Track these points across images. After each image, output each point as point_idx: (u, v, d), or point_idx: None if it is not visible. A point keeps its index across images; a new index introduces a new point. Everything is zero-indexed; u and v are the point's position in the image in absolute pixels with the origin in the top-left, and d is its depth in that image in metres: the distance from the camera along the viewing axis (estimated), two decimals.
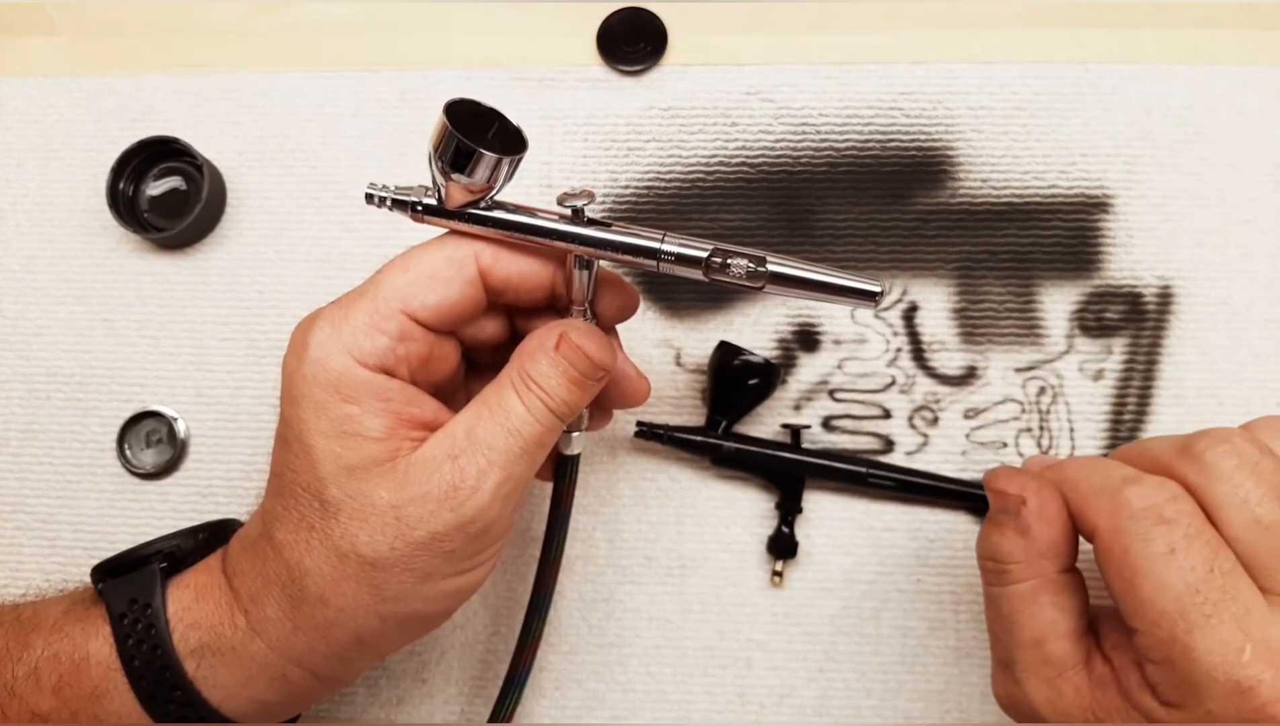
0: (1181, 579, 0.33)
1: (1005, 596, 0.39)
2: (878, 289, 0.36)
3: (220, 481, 0.52)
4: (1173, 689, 0.33)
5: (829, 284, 0.36)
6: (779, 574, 0.49)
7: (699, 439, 0.49)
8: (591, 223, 0.37)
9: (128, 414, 0.52)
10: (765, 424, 0.51)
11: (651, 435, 0.50)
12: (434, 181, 0.37)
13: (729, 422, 0.50)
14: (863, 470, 0.49)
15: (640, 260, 0.37)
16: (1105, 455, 0.39)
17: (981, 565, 0.40)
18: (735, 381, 0.49)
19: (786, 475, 0.50)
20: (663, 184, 0.53)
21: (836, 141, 0.53)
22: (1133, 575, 0.34)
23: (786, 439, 0.51)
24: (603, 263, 0.39)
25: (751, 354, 0.49)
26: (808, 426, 0.51)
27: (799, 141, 0.53)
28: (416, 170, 0.53)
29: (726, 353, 0.49)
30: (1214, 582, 0.32)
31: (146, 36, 0.56)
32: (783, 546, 0.49)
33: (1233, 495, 0.34)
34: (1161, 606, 0.33)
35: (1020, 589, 0.38)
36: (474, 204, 0.38)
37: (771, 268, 0.36)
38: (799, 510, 0.49)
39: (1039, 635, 0.37)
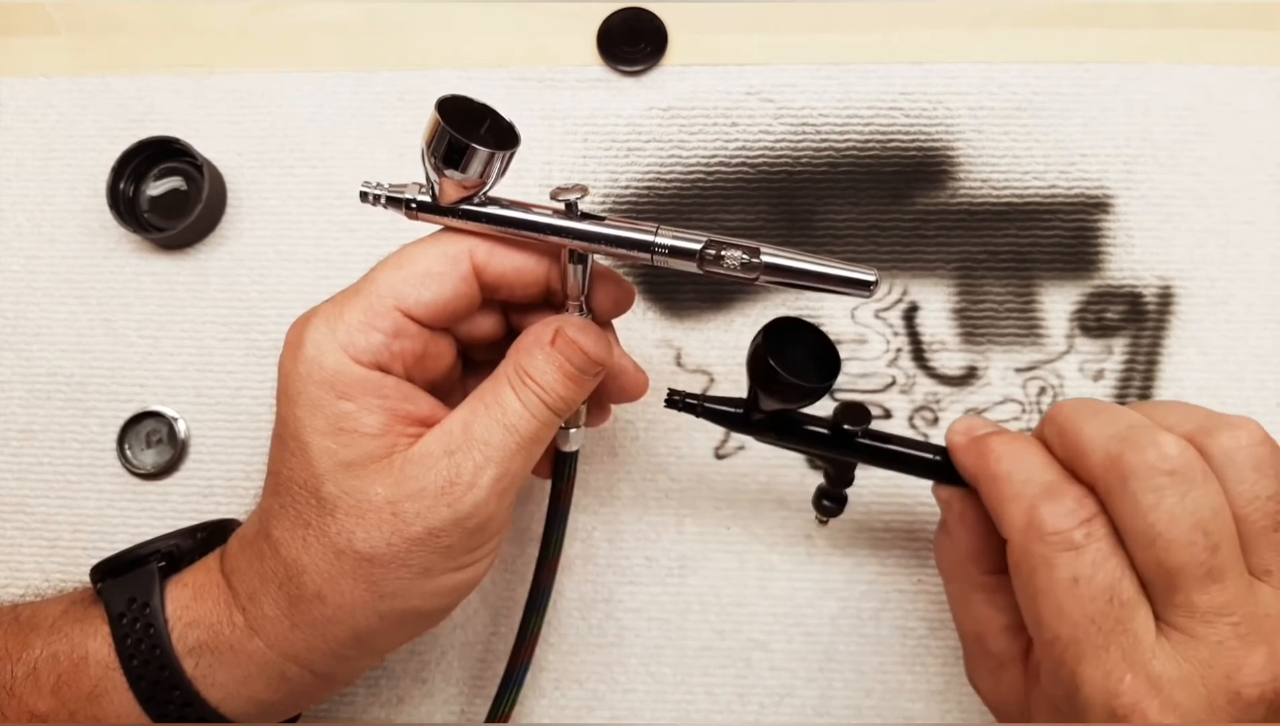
0: (1081, 609, 0.33)
1: (950, 591, 0.41)
2: (871, 278, 0.36)
3: (220, 481, 0.52)
4: (1058, 697, 0.35)
5: (823, 273, 0.36)
6: (824, 520, 0.46)
7: (733, 411, 0.42)
8: (585, 217, 0.38)
9: (128, 414, 0.52)
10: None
11: (684, 406, 0.43)
12: (428, 178, 0.37)
13: (764, 418, 0.42)
14: (928, 457, 0.42)
15: (634, 253, 0.37)
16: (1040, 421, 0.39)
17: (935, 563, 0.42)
18: (770, 392, 0.39)
19: (836, 459, 0.43)
20: (663, 184, 0.53)
21: (836, 141, 0.53)
22: (1035, 594, 0.34)
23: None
24: (598, 258, 0.39)
25: (795, 359, 0.38)
26: (869, 420, 0.42)
27: (799, 141, 0.53)
28: (416, 170, 0.52)
29: (762, 347, 0.38)
30: (1110, 613, 0.33)
31: (146, 36, 0.56)
32: (832, 509, 0.45)
33: (1145, 532, 0.33)
34: (1056, 631, 0.34)
35: (954, 587, 0.41)
36: (468, 200, 0.38)
37: (766, 258, 0.36)
38: (850, 483, 0.44)
39: (977, 630, 0.39)
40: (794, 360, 0.37)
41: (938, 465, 0.41)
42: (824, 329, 0.50)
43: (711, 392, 0.51)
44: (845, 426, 0.42)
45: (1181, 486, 0.33)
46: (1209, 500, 0.33)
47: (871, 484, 0.50)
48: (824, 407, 0.40)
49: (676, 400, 0.43)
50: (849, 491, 0.45)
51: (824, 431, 0.42)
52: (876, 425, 0.45)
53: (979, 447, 0.38)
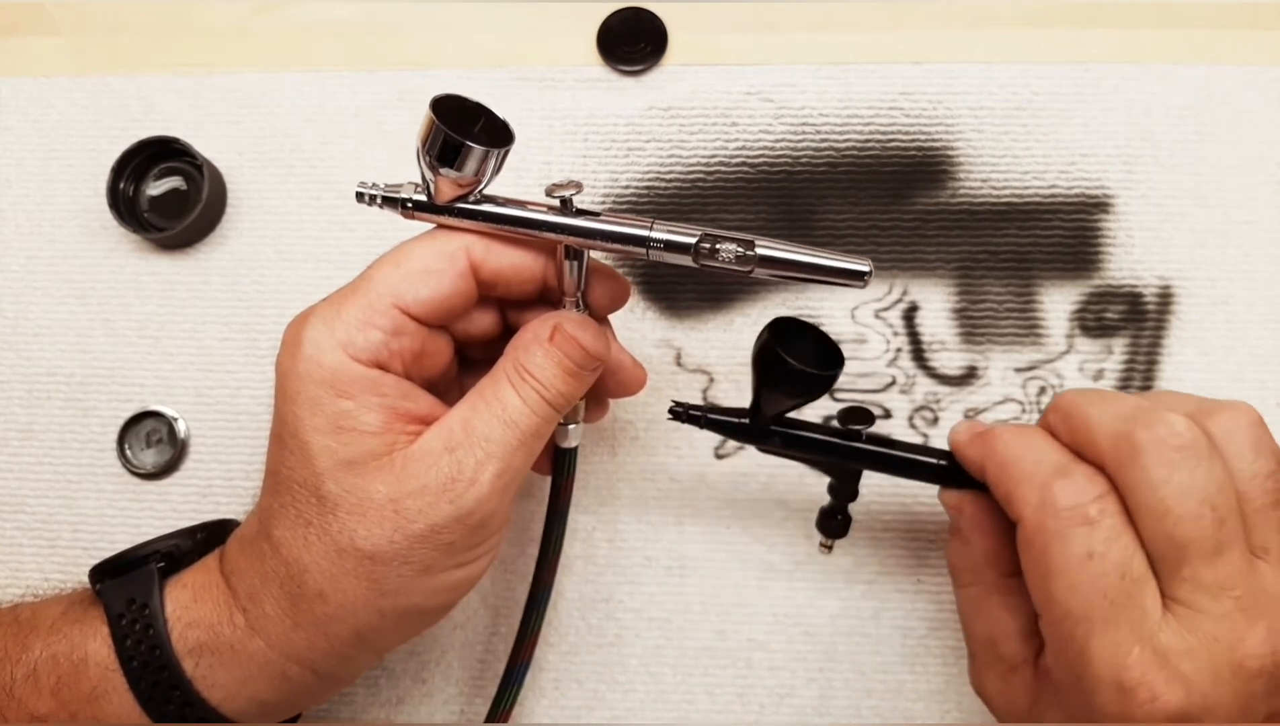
0: (1094, 584, 0.34)
1: (960, 598, 0.41)
2: (865, 268, 0.36)
3: (220, 481, 0.52)
4: (1067, 682, 0.35)
5: (817, 265, 0.36)
6: (829, 546, 0.46)
7: (738, 422, 0.42)
8: (580, 213, 0.38)
9: (128, 414, 0.52)
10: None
11: (688, 418, 0.42)
12: (423, 177, 0.37)
13: (769, 418, 0.42)
14: (935, 462, 0.42)
15: (630, 248, 0.38)
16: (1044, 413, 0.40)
17: (948, 567, 0.42)
18: (777, 385, 0.40)
19: (841, 466, 0.43)
20: (663, 184, 0.53)
21: (836, 141, 0.53)
22: (1048, 571, 0.35)
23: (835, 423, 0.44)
24: (594, 253, 0.39)
25: (809, 341, 0.40)
26: (872, 421, 0.42)
27: (799, 141, 0.53)
28: (416, 170, 0.53)
29: (770, 341, 0.38)
30: (1123, 588, 0.34)
31: (146, 36, 0.56)
32: (835, 528, 0.45)
33: (1156, 507, 0.34)
34: (1068, 606, 0.34)
35: (969, 592, 0.41)
36: (463, 198, 0.38)
37: (760, 251, 0.36)
38: (855, 497, 0.44)
39: (990, 634, 0.40)
40: (798, 356, 0.38)
41: (944, 469, 0.41)
42: (824, 329, 0.50)
43: (711, 393, 0.51)
44: (851, 426, 0.42)
45: (1191, 461, 0.34)
46: (1216, 476, 0.34)
47: (871, 484, 0.50)
48: (821, 415, 0.41)
49: (680, 412, 0.43)
50: (853, 509, 0.45)
51: (830, 438, 0.42)
52: (878, 428, 0.46)
53: (984, 439, 0.39)
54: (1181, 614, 0.34)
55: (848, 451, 0.42)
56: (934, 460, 0.42)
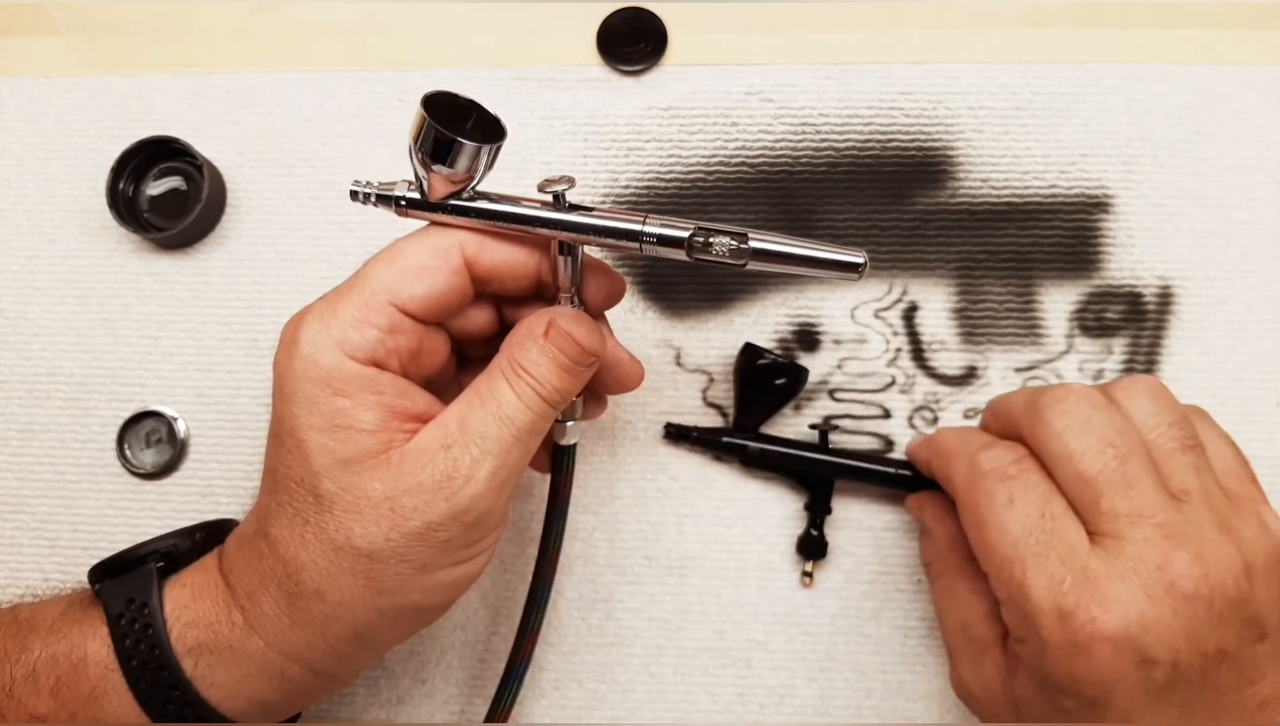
0: (1018, 524, 0.38)
1: (935, 591, 0.45)
2: (860, 260, 0.36)
3: (220, 481, 0.52)
4: (1017, 624, 0.38)
5: (811, 257, 0.36)
6: (809, 574, 0.49)
7: (726, 440, 0.50)
8: (573, 208, 0.38)
9: (128, 414, 0.52)
10: (790, 423, 0.51)
11: (680, 436, 0.50)
12: (416, 175, 0.37)
13: (756, 423, 0.50)
14: (893, 472, 0.49)
15: (623, 243, 0.37)
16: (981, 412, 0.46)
17: (923, 568, 0.47)
18: (761, 383, 0.49)
19: (816, 476, 0.49)
20: (663, 184, 0.53)
21: (836, 141, 0.53)
22: (981, 524, 0.39)
23: (814, 438, 0.50)
24: (588, 249, 0.39)
25: (777, 355, 0.49)
26: (836, 427, 0.51)
27: (799, 141, 0.53)
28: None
29: (751, 354, 0.49)
30: (1045, 526, 0.37)
31: (146, 36, 0.56)
32: (813, 547, 0.49)
33: (1061, 451, 0.38)
34: (1003, 550, 0.38)
35: (942, 582, 0.45)
36: (456, 195, 0.38)
37: (754, 244, 0.36)
38: (828, 511, 0.49)
39: (962, 619, 0.43)
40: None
41: (905, 476, 0.48)
42: (824, 329, 0.51)
43: (711, 393, 0.51)
44: (823, 429, 0.50)
45: (1085, 409, 0.39)
46: (1112, 420, 0.38)
47: (871, 484, 0.50)
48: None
49: (673, 432, 0.50)
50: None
51: (802, 453, 0.49)
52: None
53: (928, 439, 0.46)
54: (1108, 543, 0.37)
55: (819, 462, 0.49)
56: (893, 470, 0.49)
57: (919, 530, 0.47)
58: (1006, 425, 0.42)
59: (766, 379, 0.49)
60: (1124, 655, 0.35)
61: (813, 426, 0.51)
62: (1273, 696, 0.36)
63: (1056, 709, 0.37)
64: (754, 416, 0.49)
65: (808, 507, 0.50)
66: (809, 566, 0.49)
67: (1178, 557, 0.35)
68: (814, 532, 0.49)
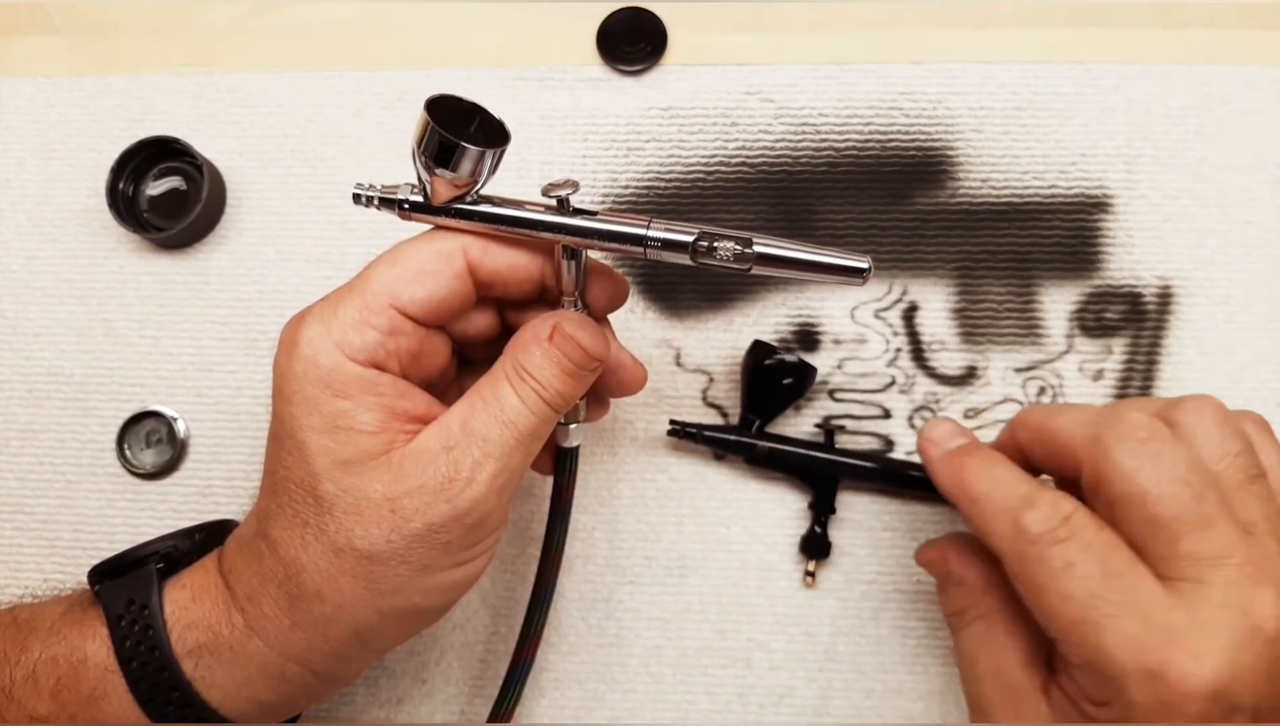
0: (1081, 588, 0.35)
1: (966, 638, 0.42)
2: (864, 265, 0.36)
3: (220, 481, 0.52)
4: (1097, 688, 0.36)
5: (816, 262, 0.36)
6: (812, 574, 0.49)
7: (733, 438, 0.49)
8: (577, 212, 0.38)
9: (128, 414, 0.52)
10: (791, 422, 0.51)
11: (685, 434, 0.49)
12: (419, 178, 0.37)
13: (762, 422, 0.49)
14: (904, 473, 0.48)
15: (627, 247, 0.37)
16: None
17: (946, 621, 0.44)
18: (769, 381, 0.49)
19: (820, 475, 0.49)
20: (663, 184, 0.53)
21: (836, 141, 0.53)
22: (1039, 592, 0.36)
23: (820, 437, 0.50)
24: (592, 253, 0.39)
25: (785, 353, 0.49)
26: (842, 427, 0.50)
27: (799, 141, 0.53)
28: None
29: (760, 352, 0.49)
30: (1111, 584, 0.35)
31: (146, 36, 0.56)
32: (816, 547, 0.49)
33: (1135, 493, 0.36)
34: (1068, 615, 0.35)
35: (976, 628, 0.41)
36: (460, 198, 0.38)
37: (758, 248, 0.36)
38: (832, 511, 0.49)
39: (998, 665, 0.40)
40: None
41: (915, 478, 0.48)
42: (824, 329, 0.51)
43: (711, 392, 0.51)
44: (829, 429, 0.50)
45: (1157, 446, 0.36)
46: (1185, 456, 0.36)
47: (871, 484, 0.50)
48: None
49: (678, 429, 0.49)
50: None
51: (809, 452, 0.49)
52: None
53: (955, 468, 0.41)
54: (1188, 590, 0.35)
55: (824, 460, 0.49)
56: (874, 466, 0.48)
57: (940, 579, 0.44)
58: (1059, 456, 0.40)
59: (774, 377, 0.48)
60: (1214, 707, 0.34)
61: (818, 425, 0.51)
62: None
63: None
64: (760, 415, 0.49)
65: (812, 507, 0.49)
66: (811, 566, 0.49)
67: (1260, 599, 0.34)
68: (818, 530, 0.49)
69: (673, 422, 0.50)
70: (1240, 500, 0.36)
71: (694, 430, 0.49)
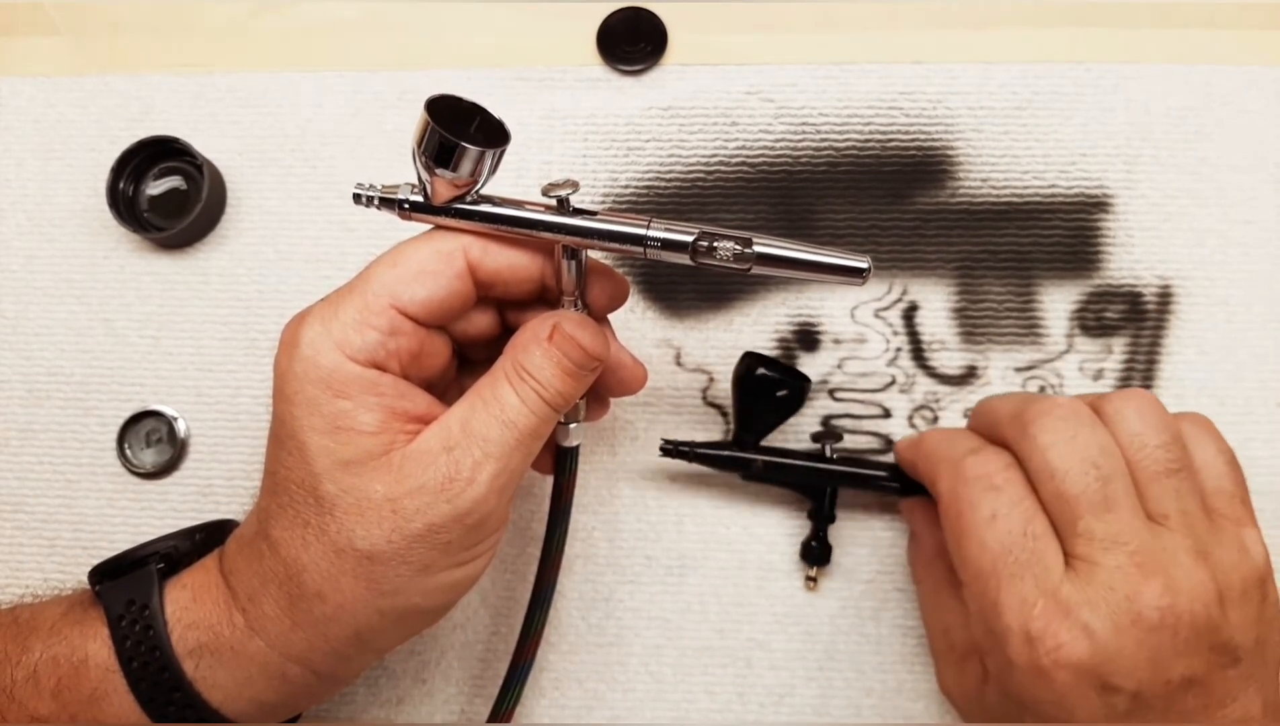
0: (999, 541, 0.38)
1: (920, 595, 0.46)
2: (864, 265, 0.36)
3: (220, 481, 0.52)
4: (984, 639, 0.39)
5: (816, 262, 0.36)
6: (813, 579, 0.49)
7: (726, 455, 0.48)
8: (577, 212, 0.38)
9: (128, 414, 0.52)
10: (789, 424, 0.51)
11: (677, 453, 0.48)
12: (419, 178, 0.37)
13: (756, 439, 0.48)
14: (892, 483, 0.48)
15: (627, 247, 0.37)
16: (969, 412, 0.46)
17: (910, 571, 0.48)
18: (762, 395, 0.47)
19: (819, 487, 0.49)
20: (663, 184, 0.53)
21: (836, 141, 0.53)
22: (962, 534, 0.39)
23: (815, 447, 0.50)
24: (592, 253, 0.39)
25: (777, 364, 0.47)
26: (840, 438, 0.50)
27: (799, 141, 0.53)
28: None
29: (750, 363, 0.47)
30: (1025, 545, 0.37)
31: (146, 36, 0.56)
32: (816, 555, 0.49)
33: (1043, 467, 0.38)
34: (980, 564, 0.38)
35: (926, 586, 0.46)
36: (460, 198, 0.38)
37: (758, 248, 0.36)
38: (832, 519, 0.49)
39: (944, 624, 0.44)
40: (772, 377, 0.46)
41: (897, 482, 0.47)
42: (824, 328, 0.51)
43: (711, 392, 0.51)
44: (822, 443, 0.49)
45: (1072, 427, 0.38)
46: (1097, 439, 0.38)
47: (872, 492, 0.50)
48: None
49: (670, 449, 0.48)
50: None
51: (802, 463, 0.48)
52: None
53: (916, 440, 0.45)
54: (1081, 568, 0.37)
55: (817, 472, 0.48)
56: (884, 474, 0.48)
57: (909, 534, 0.47)
58: (991, 431, 0.42)
59: (767, 391, 0.47)
60: (1085, 682, 0.36)
61: (814, 437, 0.50)
62: (1245, 717, 0.36)
63: (1021, 721, 0.38)
64: (753, 432, 0.48)
65: (811, 515, 0.49)
66: (812, 572, 0.49)
67: (1147, 588, 0.36)
68: (815, 543, 0.49)
69: (665, 442, 0.48)
70: (1154, 491, 0.38)
71: (686, 449, 0.48)
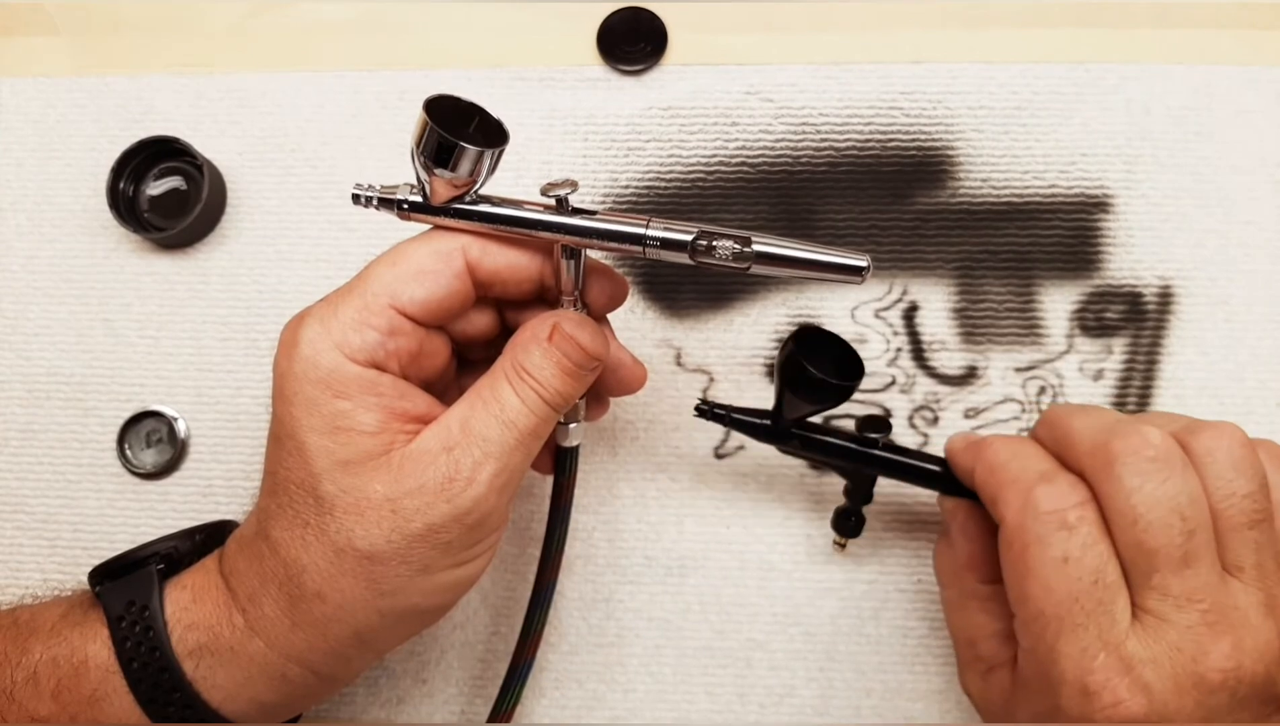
0: (1067, 587, 0.35)
1: (944, 598, 0.43)
2: (863, 263, 0.36)
3: (220, 481, 0.52)
4: (1036, 681, 0.37)
5: (815, 261, 0.36)
6: (842, 544, 0.48)
7: (762, 423, 0.44)
8: (576, 212, 0.38)
9: (128, 414, 0.52)
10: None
11: (713, 416, 0.44)
12: (418, 178, 0.37)
13: (792, 423, 0.44)
14: (938, 469, 0.44)
15: (626, 246, 0.37)
16: (1034, 424, 0.42)
17: (934, 568, 0.45)
18: (801, 386, 0.41)
19: (856, 471, 0.45)
20: (663, 184, 0.53)
21: (836, 141, 0.53)
22: (1026, 572, 0.36)
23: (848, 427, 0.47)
24: (591, 252, 0.39)
25: (836, 343, 0.41)
26: (890, 429, 0.45)
27: (799, 141, 0.53)
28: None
29: (796, 352, 0.41)
30: (1094, 594, 0.35)
31: (146, 36, 0.56)
32: (852, 529, 0.47)
33: (1127, 513, 0.35)
34: (1041, 607, 0.35)
35: (950, 593, 0.43)
36: (459, 198, 0.38)
37: (757, 247, 0.36)
38: (869, 501, 0.46)
39: (970, 635, 0.41)
40: (820, 365, 0.40)
41: (947, 477, 0.43)
42: (820, 326, 0.50)
43: (711, 392, 0.51)
44: (868, 434, 0.44)
45: (1163, 472, 0.35)
46: (1187, 488, 0.35)
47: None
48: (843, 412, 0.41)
49: (705, 409, 0.44)
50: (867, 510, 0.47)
51: (846, 444, 0.44)
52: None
53: (976, 446, 0.41)
54: (1149, 623, 0.35)
55: (862, 457, 0.44)
56: (938, 468, 0.43)
57: (941, 530, 0.44)
58: (1063, 449, 0.39)
59: (808, 384, 0.41)
60: None
61: (860, 425, 0.45)
62: None
63: None
64: (790, 419, 0.44)
65: (846, 493, 0.47)
66: (841, 539, 0.47)
67: (1215, 649, 0.34)
68: (852, 519, 0.46)
69: (701, 402, 0.45)
70: (1234, 543, 0.36)
71: (723, 412, 0.44)
